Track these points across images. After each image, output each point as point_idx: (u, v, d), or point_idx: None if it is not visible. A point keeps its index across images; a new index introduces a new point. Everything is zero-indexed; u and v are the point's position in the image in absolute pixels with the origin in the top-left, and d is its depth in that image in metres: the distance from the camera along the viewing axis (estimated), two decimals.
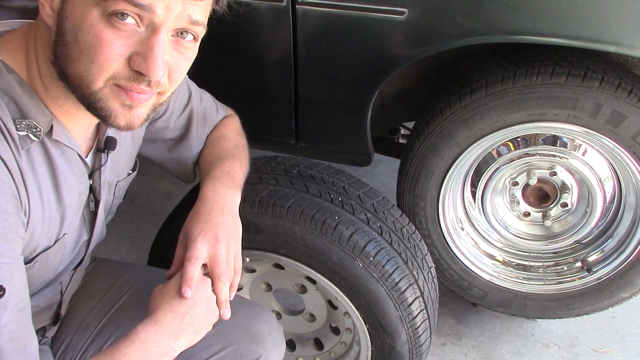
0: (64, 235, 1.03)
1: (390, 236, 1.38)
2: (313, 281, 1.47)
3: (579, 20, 1.41)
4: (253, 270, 1.56)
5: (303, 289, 1.55)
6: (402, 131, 2.29)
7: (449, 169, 1.72)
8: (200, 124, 1.36)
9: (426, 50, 1.54)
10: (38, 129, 0.92)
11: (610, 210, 1.86)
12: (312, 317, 1.61)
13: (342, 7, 1.51)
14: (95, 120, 1.03)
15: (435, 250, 1.85)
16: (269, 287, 1.61)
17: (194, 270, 1.08)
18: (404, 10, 1.47)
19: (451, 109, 1.63)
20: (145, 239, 2.39)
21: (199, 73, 1.79)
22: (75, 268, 1.17)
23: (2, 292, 0.84)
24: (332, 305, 1.54)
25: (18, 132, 0.89)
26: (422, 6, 1.47)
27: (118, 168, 1.17)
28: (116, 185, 1.18)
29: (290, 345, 1.66)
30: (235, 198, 1.23)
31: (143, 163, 1.32)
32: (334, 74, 1.67)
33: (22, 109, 0.91)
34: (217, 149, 1.35)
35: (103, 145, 1.08)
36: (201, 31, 0.93)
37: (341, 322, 1.54)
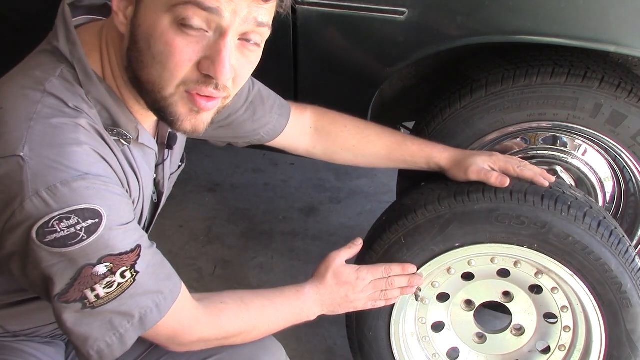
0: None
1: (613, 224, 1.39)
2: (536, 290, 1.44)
3: (579, 20, 1.41)
4: (447, 297, 1.51)
5: (509, 297, 1.48)
6: (402, 131, 2.29)
7: None
8: (258, 105, 1.40)
9: (426, 50, 1.54)
10: (127, 137, 1.01)
11: (611, 210, 1.87)
12: (520, 330, 1.51)
13: (342, 7, 1.52)
14: (154, 118, 1.09)
15: None
16: (469, 304, 1.51)
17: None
18: (404, 10, 1.48)
19: (451, 109, 1.63)
20: None
21: None
22: None
23: (139, 248, 0.96)
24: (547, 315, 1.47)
25: (111, 137, 0.98)
26: (422, 6, 1.47)
27: (173, 161, 1.24)
28: (169, 177, 1.25)
29: None
30: None
31: None
32: (334, 74, 1.67)
33: (113, 117, 0.99)
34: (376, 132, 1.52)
35: (166, 142, 1.16)
36: (266, 32, 0.97)
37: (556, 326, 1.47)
